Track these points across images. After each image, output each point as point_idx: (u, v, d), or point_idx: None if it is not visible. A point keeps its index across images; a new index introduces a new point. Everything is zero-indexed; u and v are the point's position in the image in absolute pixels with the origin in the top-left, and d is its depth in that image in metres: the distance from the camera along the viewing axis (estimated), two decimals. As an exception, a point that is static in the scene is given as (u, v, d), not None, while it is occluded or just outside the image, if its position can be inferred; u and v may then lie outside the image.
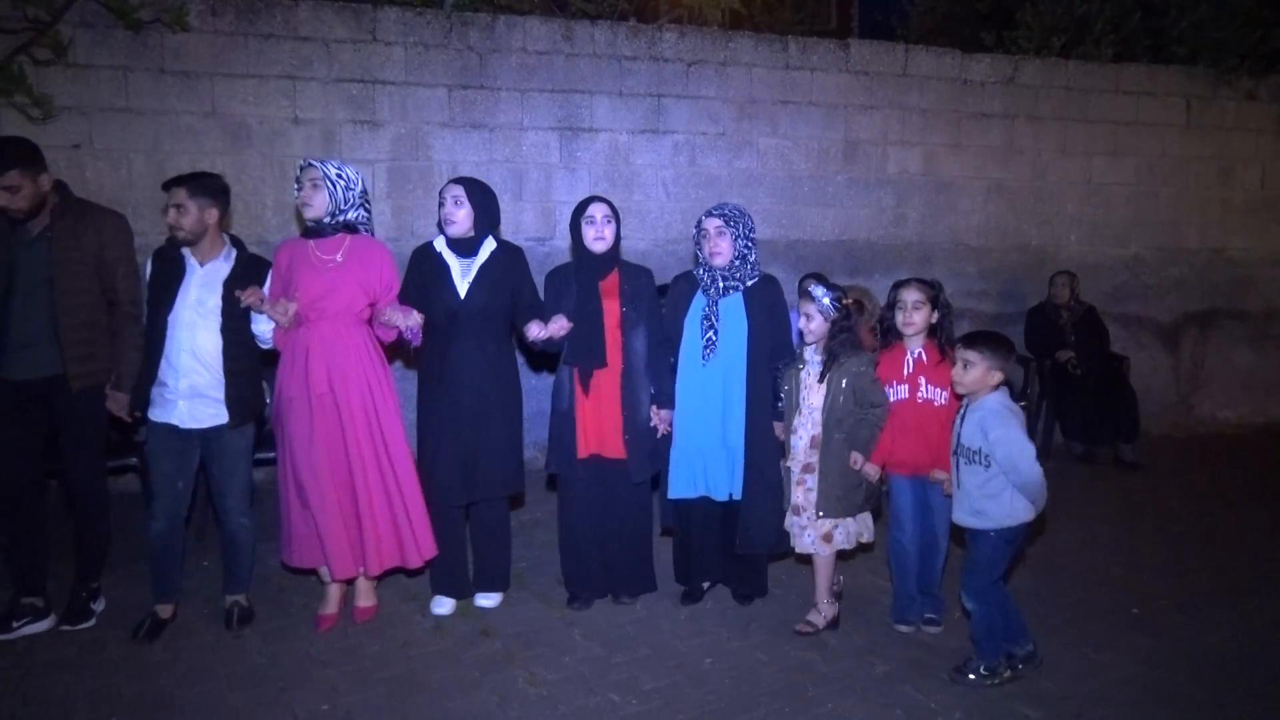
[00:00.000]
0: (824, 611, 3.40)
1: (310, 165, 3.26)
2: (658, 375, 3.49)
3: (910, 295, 3.32)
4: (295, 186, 3.29)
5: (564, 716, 2.82)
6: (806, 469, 3.34)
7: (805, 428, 3.34)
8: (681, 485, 3.48)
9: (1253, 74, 6.71)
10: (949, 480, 3.13)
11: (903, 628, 3.41)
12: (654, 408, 3.48)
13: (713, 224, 3.40)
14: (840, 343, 3.30)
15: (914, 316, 3.31)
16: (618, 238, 3.49)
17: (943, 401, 3.29)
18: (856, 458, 3.26)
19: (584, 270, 3.46)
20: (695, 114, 5.65)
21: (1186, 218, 6.79)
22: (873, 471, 3.29)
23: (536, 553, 4.16)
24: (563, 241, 5.47)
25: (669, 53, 5.57)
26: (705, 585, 3.68)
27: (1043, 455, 5.94)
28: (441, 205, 3.40)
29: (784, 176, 5.88)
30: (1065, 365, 5.82)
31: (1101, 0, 6.59)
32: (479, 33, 5.23)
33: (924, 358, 3.33)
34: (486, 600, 3.58)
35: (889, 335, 3.45)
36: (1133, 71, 6.54)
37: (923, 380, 3.32)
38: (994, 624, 2.99)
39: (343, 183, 3.28)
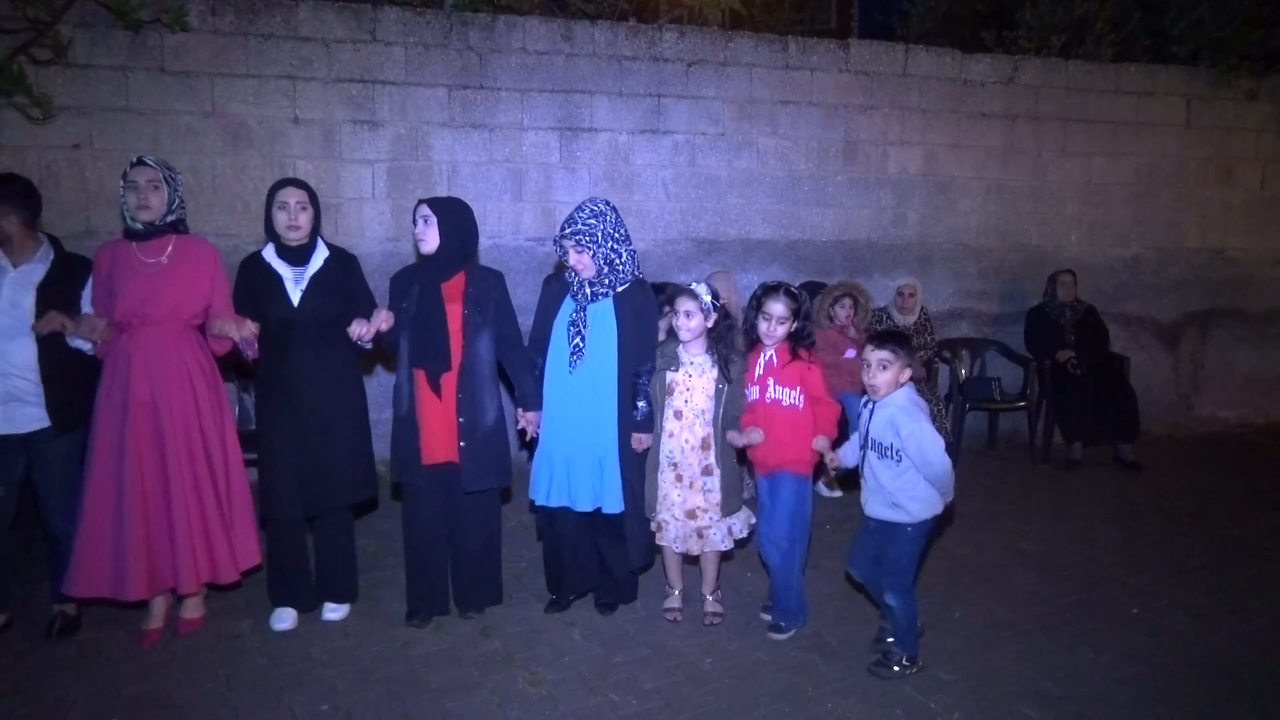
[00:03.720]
0: (717, 598, 3.53)
1: (145, 164, 3.13)
2: (519, 378, 3.41)
3: (777, 308, 3.26)
4: (125, 187, 3.13)
5: (564, 716, 2.82)
6: (706, 471, 3.35)
7: (693, 430, 3.34)
8: (543, 491, 3.40)
9: (1253, 74, 6.70)
10: (831, 455, 3.23)
11: (775, 635, 3.34)
12: (520, 410, 3.43)
13: (569, 244, 3.29)
14: (729, 343, 3.34)
15: (778, 330, 3.28)
16: (456, 237, 3.31)
17: (791, 400, 3.28)
18: (733, 435, 3.28)
19: (425, 272, 3.33)
20: (695, 114, 5.65)
21: (1186, 218, 6.79)
22: (747, 438, 3.27)
23: (535, 552, 4.15)
24: (563, 241, 5.47)
25: (669, 53, 5.57)
26: (572, 597, 3.59)
27: (1043, 455, 6.02)
28: (282, 209, 3.24)
29: (784, 176, 5.88)
30: (1065, 365, 5.82)
31: (1101, 0, 6.58)
32: (479, 33, 5.23)
33: (774, 360, 3.31)
34: (333, 613, 3.45)
35: (749, 335, 3.41)
36: (1133, 71, 6.54)
37: (771, 381, 3.30)
38: (914, 617, 3.06)
39: (173, 182, 3.18)
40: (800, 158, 5.90)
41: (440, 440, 3.29)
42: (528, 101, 5.34)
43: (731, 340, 3.38)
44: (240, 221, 4.87)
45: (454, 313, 3.27)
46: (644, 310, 3.39)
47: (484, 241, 5.33)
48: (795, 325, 3.31)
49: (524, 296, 5.41)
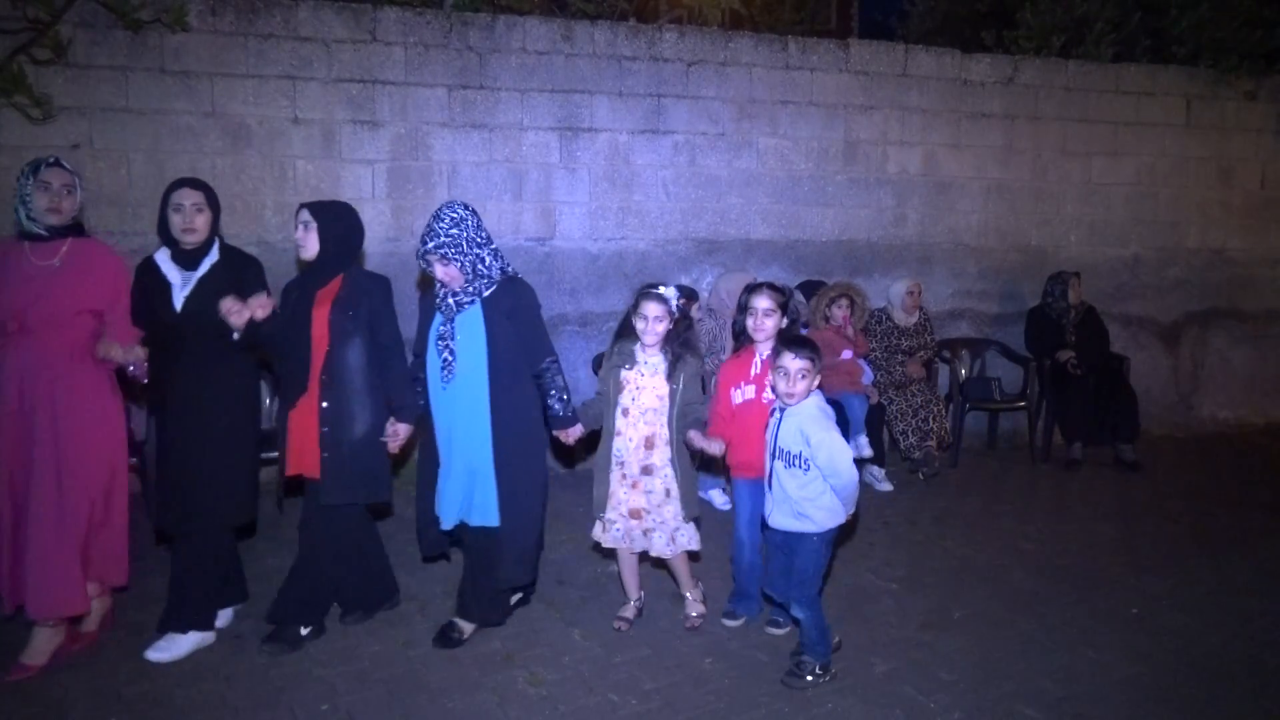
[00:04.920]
0: (697, 596, 3.46)
1: (62, 166, 3.03)
2: (397, 388, 3.21)
3: (761, 303, 3.28)
4: (30, 186, 2.97)
5: (564, 716, 2.82)
6: (645, 470, 3.29)
7: (635, 428, 3.28)
8: (442, 512, 3.24)
9: (1252, 74, 6.70)
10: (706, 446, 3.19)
11: (728, 622, 3.41)
12: (391, 420, 3.20)
13: (433, 258, 3.10)
14: (684, 342, 3.31)
15: (765, 323, 3.27)
16: (337, 242, 3.18)
17: None
18: (694, 435, 3.22)
19: (303, 276, 3.22)
20: (695, 114, 5.65)
21: (1186, 218, 6.79)
22: (718, 447, 3.23)
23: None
24: (563, 242, 5.48)
25: (669, 53, 5.57)
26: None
27: (1043, 455, 6.02)
28: (177, 211, 3.08)
29: (784, 176, 5.88)
30: (1065, 365, 5.82)
31: (1101, 0, 6.58)
32: (479, 33, 5.23)
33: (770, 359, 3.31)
34: (161, 652, 3.09)
35: (740, 339, 3.39)
36: (1133, 71, 6.54)
37: (769, 381, 3.27)
38: (825, 627, 3.02)
39: (80, 186, 3.10)
40: (800, 158, 5.90)
41: (304, 452, 3.13)
42: (528, 101, 5.34)
43: (687, 340, 3.32)
44: (240, 222, 4.87)
45: (321, 317, 3.12)
46: (518, 309, 3.22)
47: (484, 241, 5.34)
48: (784, 321, 3.29)
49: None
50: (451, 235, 3.09)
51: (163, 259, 3.14)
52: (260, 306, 3.03)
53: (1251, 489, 5.40)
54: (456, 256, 3.09)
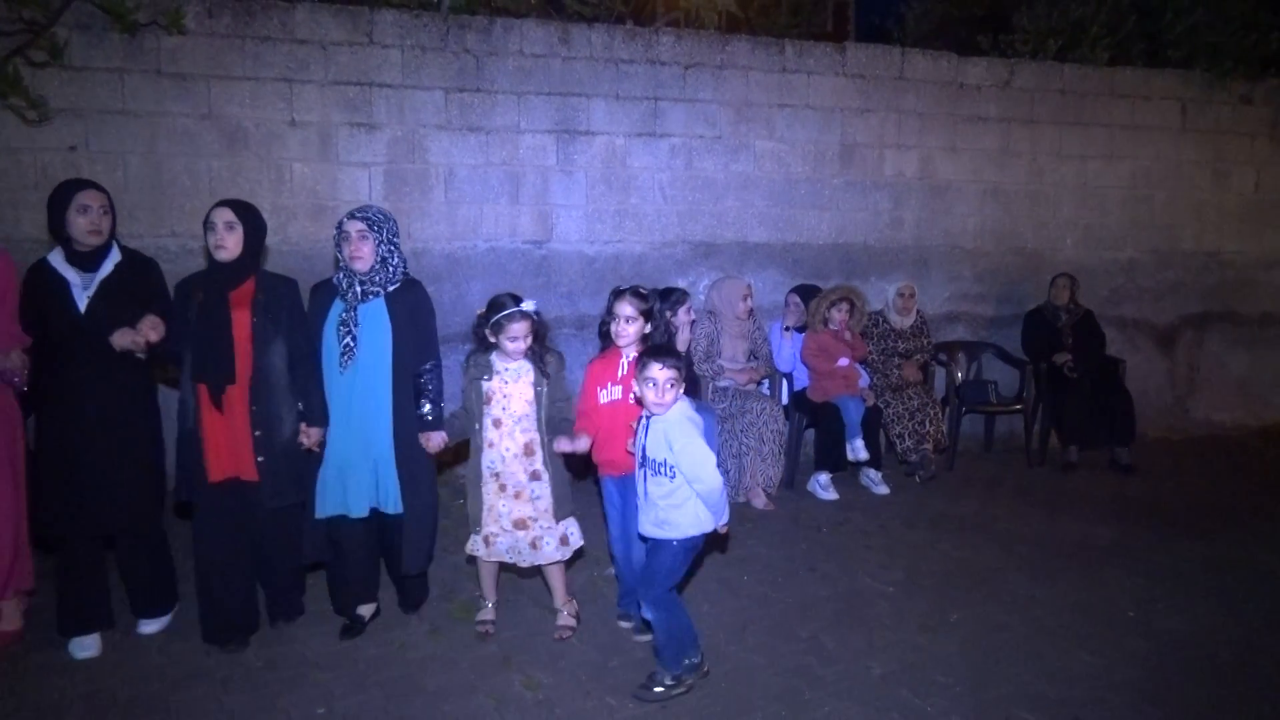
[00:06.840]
0: (571, 611, 3.46)
1: None
2: (307, 391, 3.24)
3: (624, 310, 3.30)
4: None
5: (561, 720, 2.82)
6: (533, 476, 3.29)
7: (513, 437, 3.27)
8: (326, 504, 3.27)
9: (1247, 78, 6.72)
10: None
11: (623, 623, 3.42)
12: (303, 425, 3.25)
13: (354, 227, 3.21)
14: (543, 347, 3.32)
15: (626, 329, 3.29)
16: (251, 244, 3.22)
17: None
18: (563, 440, 3.22)
19: (212, 278, 3.19)
20: (692, 117, 5.65)
21: (1182, 221, 6.81)
22: (584, 444, 3.24)
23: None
24: (560, 245, 5.48)
25: (666, 56, 5.57)
26: (366, 615, 3.45)
27: (1039, 458, 6.02)
28: (84, 213, 3.08)
29: (780, 179, 5.89)
30: (1061, 368, 5.83)
31: (1097, 4, 6.60)
32: (476, 35, 5.23)
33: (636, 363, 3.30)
34: (148, 625, 3.33)
35: (605, 340, 3.42)
36: (1128, 75, 6.56)
37: (634, 382, 3.25)
38: (674, 632, 2.96)
39: None
40: (797, 161, 5.91)
41: (229, 455, 3.14)
42: (525, 104, 5.34)
43: (544, 335, 3.34)
44: (237, 224, 4.86)
45: (242, 320, 3.13)
46: (419, 309, 3.36)
47: (481, 244, 5.34)
48: (648, 328, 3.31)
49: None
50: (380, 216, 3.32)
51: (57, 260, 3.12)
52: (152, 329, 3.07)
53: (1246, 492, 5.41)
54: (377, 233, 3.25)
